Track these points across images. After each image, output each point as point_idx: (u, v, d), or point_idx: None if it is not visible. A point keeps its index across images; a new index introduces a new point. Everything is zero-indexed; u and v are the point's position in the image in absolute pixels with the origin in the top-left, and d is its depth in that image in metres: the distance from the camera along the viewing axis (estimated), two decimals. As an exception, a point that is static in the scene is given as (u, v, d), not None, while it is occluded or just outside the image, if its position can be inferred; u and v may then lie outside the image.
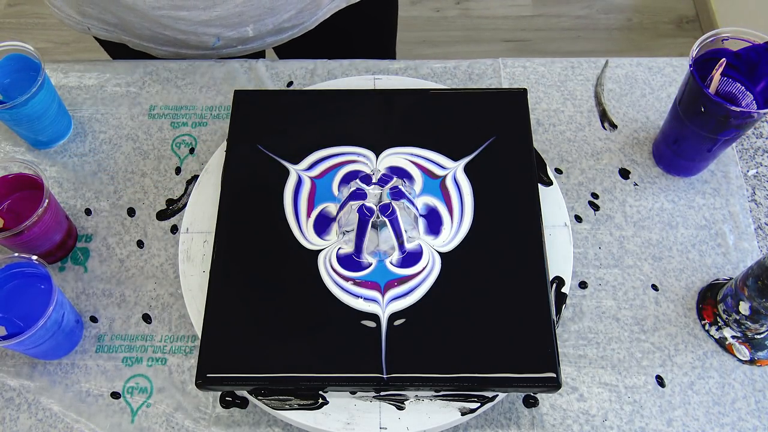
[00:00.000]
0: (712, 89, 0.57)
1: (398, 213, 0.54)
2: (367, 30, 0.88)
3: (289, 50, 0.81)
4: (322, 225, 0.57)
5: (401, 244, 0.56)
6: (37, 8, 1.91)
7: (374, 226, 0.54)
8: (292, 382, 0.51)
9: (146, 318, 0.60)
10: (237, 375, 0.51)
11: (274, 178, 0.60)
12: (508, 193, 0.58)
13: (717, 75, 0.57)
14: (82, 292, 0.61)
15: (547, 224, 0.59)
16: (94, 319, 0.60)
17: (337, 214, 0.57)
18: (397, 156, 0.61)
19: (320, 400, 0.53)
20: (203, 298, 0.55)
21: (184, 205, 0.64)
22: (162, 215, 0.65)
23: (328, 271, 0.55)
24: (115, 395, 0.57)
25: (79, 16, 0.73)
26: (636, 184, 0.66)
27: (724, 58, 0.58)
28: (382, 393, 0.53)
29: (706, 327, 0.59)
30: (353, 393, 0.53)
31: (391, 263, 0.56)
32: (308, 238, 0.57)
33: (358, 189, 0.56)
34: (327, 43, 0.81)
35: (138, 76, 0.73)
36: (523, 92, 0.64)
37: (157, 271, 0.62)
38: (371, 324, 0.53)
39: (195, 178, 0.66)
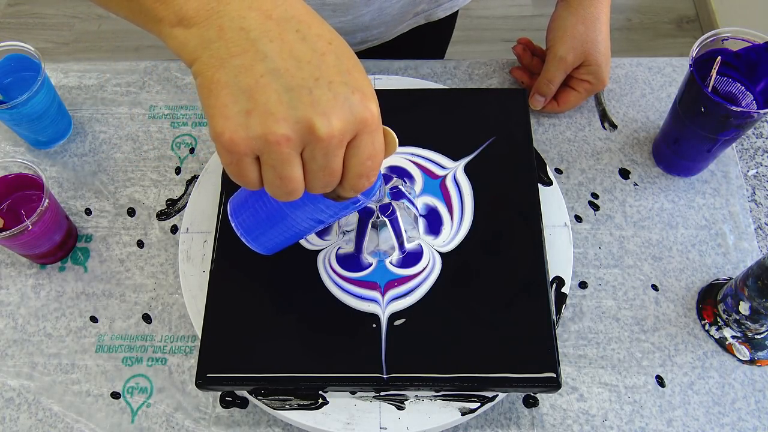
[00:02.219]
0: (709, 87, 0.57)
1: (398, 213, 0.54)
2: (432, 37, 0.89)
3: (357, 54, 0.82)
4: (322, 225, 0.57)
5: (401, 244, 0.56)
6: (37, 8, 1.91)
7: (374, 226, 0.54)
8: (292, 382, 0.51)
9: (146, 318, 0.60)
10: (237, 375, 0.51)
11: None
12: (508, 193, 0.58)
13: (713, 73, 0.57)
14: (82, 292, 0.61)
15: (547, 224, 0.59)
16: (94, 319, 0.60)
17: (337, 214, 0.57)
18: (397, 156, 0.61)
19: (320, 400, 0.53)
20: (203, 298, 0.55)
21: (184, 205, 0.64)
22: (162, 215, 0.65)
23: (327, 272, 0.55)
24: (115, 395, 0.57)
25: None
26: (636, 184, 0.66)
27: (719, 57, 0.58)
28: (382, 393, 0.53)
29: (706, 327, 0.59)
30: (353, 393, 0.53)
31: (391, 263, 0.56)
32: (308, 239, 0.57)
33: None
34: (395, 49, 0.83)
35: (138, 76, 0.73)
36: (523, 92, 0.64)
37: (157, 271, 0.62)
38: (371, 324, 0.53)
39: (195, 178, 0.66)
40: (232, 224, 0.49)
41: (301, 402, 0.53)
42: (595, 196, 0.65)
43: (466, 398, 0.52)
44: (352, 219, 0.55)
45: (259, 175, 0.37)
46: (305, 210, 0.44)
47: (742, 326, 0.57)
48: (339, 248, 0.56)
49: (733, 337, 0.58)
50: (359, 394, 0.53)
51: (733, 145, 0.67)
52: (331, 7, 0.70)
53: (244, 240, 0.49)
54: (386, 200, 0.55)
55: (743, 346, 0.57)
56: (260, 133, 0.34)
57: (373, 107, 0.36)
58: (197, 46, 0.36)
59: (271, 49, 0.35)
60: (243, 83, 0.34)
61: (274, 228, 0.47)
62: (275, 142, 0.34)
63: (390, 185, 0.56)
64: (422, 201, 0.59)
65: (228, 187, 0.59)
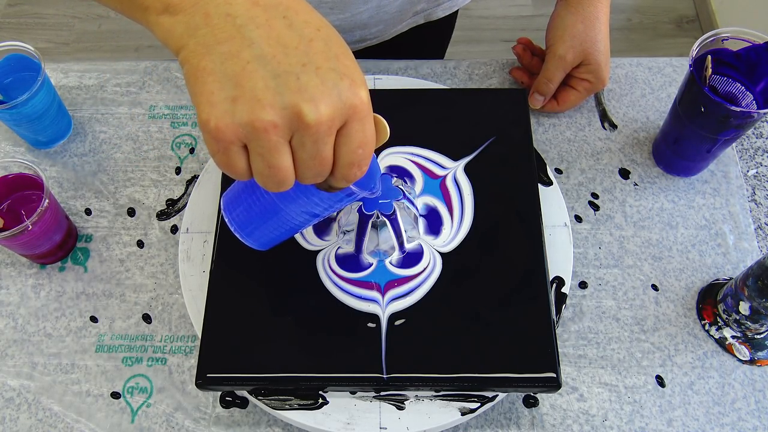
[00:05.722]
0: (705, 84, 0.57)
1: (398, 213, 0.54)
2: (432, 37, 0.89)
3: (357, 53, 0.82)
4: (322, 225, 0.57)
5: (401, 244, 0.56)
6: (37, 8, 1.91)
7: (374, 226, 0.54)
8: (292, 382, 0.51)
9: (146, 318, 0.60)
10: (237, 375, 0.51)
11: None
12: (508, 193, 0.58)
13: (708, 73, 0.58)
14: (82, 292, 0.61)
15: (547, 224, 0.59)
16: (94, 319, 0.60)
17: (337, 214, 0.57)
18: (397, 156, 0.61)
19: (320, 400, 0.53)
20: (203, 298, 0.55)
21: (184, 205, 0.64)
22: (162, 215, 0.65)
23: (327, 272, 0.55)
24: (115, 395, 0.57)
25: None
26: (636, 184, 0.66)
27: (709, 55, 0.58)
28: (382, 393, 0.53)
29: (706, 327, 0.59)
30: (353, 393, 0.53)
31: (391, 263, 0.56)
32: (308, 239, 0.57)
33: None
34: (394, 49, 0.83)
35: (138, 76, 0.73)
36: (523, 92, 0.64)
37: (157, 271, 0.62)
38: (371, 324, 0.53)
39: (195, 178, 0.66)
40: (226, 219, 0.48)
41: (301, 402, 0.53)
42: (595, 196, 0.65)
43: (466, 398, 0.52)
44: (352, 219, 0.55)
45: (248, 165, 0.36)
46: (299, 203, 0.44)
47: (742, 326, 0.57)
48: (338, 248, 0.56)
49: (733, 337, 0.58)
50: (359, 394, 0.53)
51: (733, 145, 0.67)
52: (328, 4, 0.70)
53: (237, 235, 0.49)
54: (396, 194, 0.54)
55: (743, 346, 0.57)
56: (247, 120, 0.34)
57: (363, 93, 0.35)
58: (183, 33, 0.36)
59: (257, 36, 0.34)
60: (229, 70, 0.34)
61: (268, 223, 0.47)
62: (262, 129, 0.34)
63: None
64: (422, 201, 0.59)
65: (227, 186, 0.59)
